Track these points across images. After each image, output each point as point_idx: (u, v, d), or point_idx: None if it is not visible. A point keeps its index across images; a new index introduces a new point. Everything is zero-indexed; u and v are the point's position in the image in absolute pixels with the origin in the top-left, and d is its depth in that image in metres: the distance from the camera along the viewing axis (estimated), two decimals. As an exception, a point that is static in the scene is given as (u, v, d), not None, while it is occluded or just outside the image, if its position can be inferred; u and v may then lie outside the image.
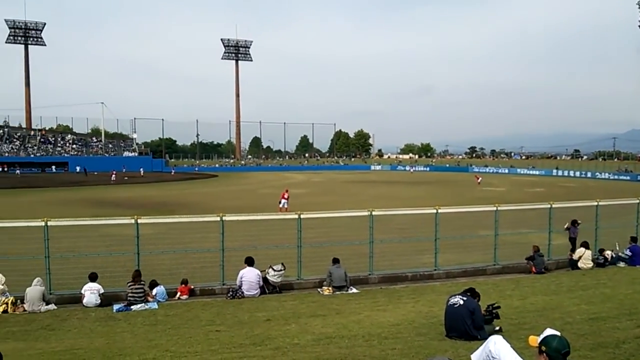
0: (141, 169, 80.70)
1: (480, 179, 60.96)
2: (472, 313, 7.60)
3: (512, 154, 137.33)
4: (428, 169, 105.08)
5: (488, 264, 15.78)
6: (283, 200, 31.55)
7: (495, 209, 16.01)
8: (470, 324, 7.53)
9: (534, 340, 3.76)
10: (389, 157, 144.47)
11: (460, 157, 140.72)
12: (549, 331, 3.76)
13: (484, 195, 43.34)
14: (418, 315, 9.79)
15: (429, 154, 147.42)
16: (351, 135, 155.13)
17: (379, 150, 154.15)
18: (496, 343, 4.26)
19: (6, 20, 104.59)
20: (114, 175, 65.17)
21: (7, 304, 11.57)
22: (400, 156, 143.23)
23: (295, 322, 9.63)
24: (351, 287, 13.29)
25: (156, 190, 51.96)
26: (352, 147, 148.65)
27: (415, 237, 16.95)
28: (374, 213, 14.61)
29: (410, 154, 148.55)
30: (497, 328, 8.00)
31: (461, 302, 7.73)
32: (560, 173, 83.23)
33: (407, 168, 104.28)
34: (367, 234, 14.81)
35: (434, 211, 15.23)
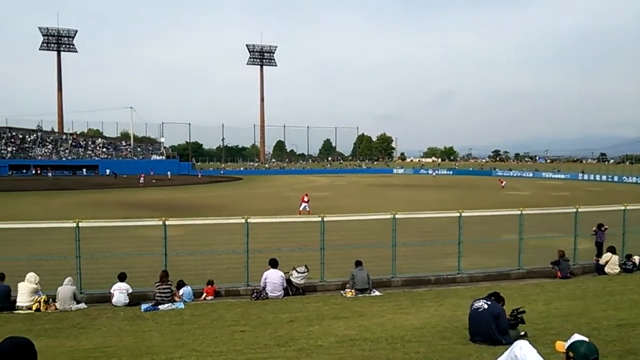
0: (168, 172, 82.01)
1: (504, 182, 60.16)
2: (496, 317, 7.58)
3: (537, 158, 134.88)
4: (451, 172, 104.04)
5: (512, 268, 15.62)
6: (303, 204, 31.66)
7: (519, 212, 15.84)
8: (494, 329, 7.51)
9: (561, 346, 3.71)
10: (411, 160, 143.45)
11: (483, 160, 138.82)
12: (576, 337, 3.71)
13: (507, 199, 42.74)
14: (441, 319, 9.78)
15: (452, 158, 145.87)
16: (374, 138, 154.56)
17: (402, 154, 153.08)
18: (522, 348, 4.23)
19: (40, 28, 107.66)
20: (142, 178, 66.34)
21: (40, 302, 11.94)
22: (423, 160, 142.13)
23: (319, 324, 9.72)
24: (374, 289, 13.31)
25: (183, 192, 52.71)
26: (374, 150, 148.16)
27: (438, 241, 16.87)
28: (396, 216, 14.62)
29: (433, 158, 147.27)
30: (522, 333, 7.95)
31: (485, 306, 7.71)
32: (586, 177, 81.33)
33: (430, 172, 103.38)
34: (389, 237, 14.82)
35: (458, 214, 15.15)
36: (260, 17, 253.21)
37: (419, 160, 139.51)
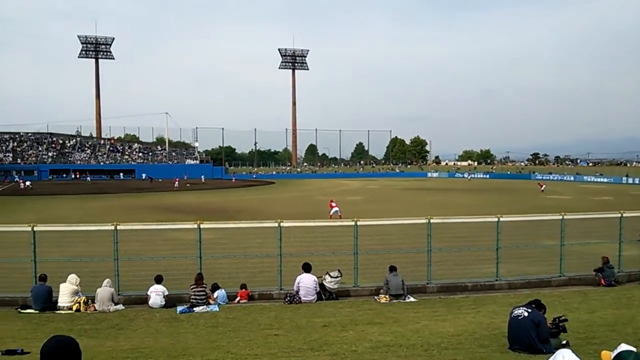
0: (202, 176, 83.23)
1: (544, 186, 58.64)
2: (537, 325, 7.34)
3: (578, 161, 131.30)
4: (488, 176, 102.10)
5: (553, 275, 15.15)
6: (334, 209, 31.57)
7: (561, 217, 15.38)
8: (535, 337, 7.28)
9: (607, 356, 3.58)
10: (446, 164, 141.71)
11: (522, 163, 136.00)
12: (623, 346, 3.56)
13: (547, 203, 41.69)
14: (479, 327, 9.55)
15: (488, 161, 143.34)
16: (407, 142, 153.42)
17: (436, 157, 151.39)
18: (565, 357, 4.08)
19: (79, 36, 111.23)
20: (177, 182, 67.58)
21: (80, 303, 12.24)
22: (459, 163, 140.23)
23: (353, 329, 9.63)
24: (409, 295, 13.13)
25: (216, 196, 53.40)
26: (408, 154, 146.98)
27: (475, 246, 16.53)
28: (432, 221, 14.40)
29: (469, 161, 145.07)
30: (564, 342, 7.69)
31: (526, 314, 7.49)
32: (630, 181, 78.53)
33: (465, 175, 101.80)
34: (423, 242, 14.60)
35: (496, 219, 14.82)
36: (292, 21, 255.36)
37: (454, 164, 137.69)
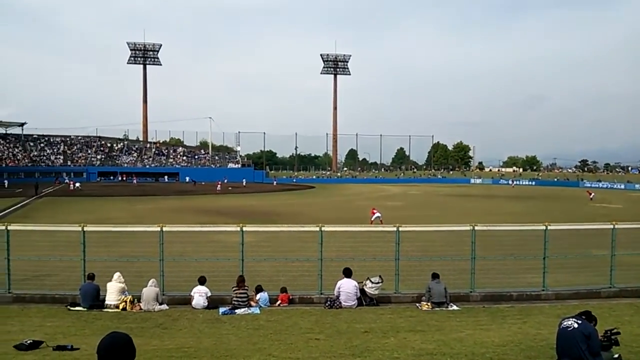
0: (244, 180, 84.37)
1: (592, 194, 56.49)
2: (587, 338, 7.03)
3: (630, 168, 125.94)
4: (533, 183, 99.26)
5: (603, 286, 14.54)
6: (375, 215, 31.33)
7: (612, 226, 14.78)
8: (585, 350, 6.98)
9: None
10: (490, 170, 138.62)
11: (569, 170, 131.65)
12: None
13: (597, 212, 40.19)
14: (525, 337, 9.27)
15: (534, 167, 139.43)
16: (450, 147, 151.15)
17: (480, 163, 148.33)
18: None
19: (128, 43, 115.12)
20: (219, 186, 68.81)
21: (126, 302, 12.58)
22: (503, 169, 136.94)
23: (394, 336, 9.52)
24: (451, 303, 12.88)
25: (257, 200, 54.01)
26: (450, 159, 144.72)
27: (521, 255, 16.08)
28: (476, 228, 14.09)
29: (514, 167, 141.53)
30: (616, 356, 7.35)
31: (575, 325, 7.19)
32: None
33: (509, 182, 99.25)
34: (466, 250, 14.31)
35: (543, 227, 14.37)
36: (334, 26, 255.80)
37: (498, 170, 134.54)
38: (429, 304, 12.64)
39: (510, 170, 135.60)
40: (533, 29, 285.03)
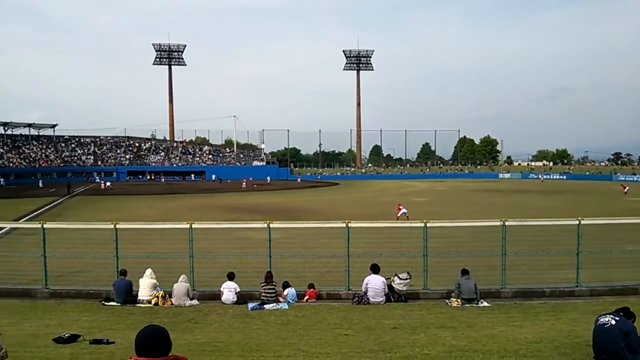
0: (268, 177, 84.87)
1: (627, 188, 54.87)
2: (626, 335, 6.86)
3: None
4: (564, 177, 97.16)
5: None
6: (401, 211, 31.12)
7: (648, 221, 14.36)
8: (624, 347, 6.80)
9: None
10: (519, 164, 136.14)
11: (602, 164, 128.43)
12: None
13: (632, 206, 39.08)
14: (559, 334, 9.09)
15: (565, 161, 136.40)
16: (477, 141, 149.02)
17: (508, 157, 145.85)
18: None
19: (153, 45, 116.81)
20: (244, 183, 69.38)
21: (158, 297, 12.79)
22: (532, 163, 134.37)
23: (424, 332, 9.45)
24: (482, 300, 12.71)
25: (283, 197, 54.26)
26: (477, 154, 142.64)
27: (553, 250, 15.78)
28: (507, 223, 13.86)
29: (544, 161, 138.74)
30: (656, 354, 7.14)
31: (613, 322, 7.01)
32: None
33: (538, 176, 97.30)
34: (495, 245, 14.09)
35: (576, 222, 14.05)
36: (357, 22, 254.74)
37: (527, 164, 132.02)
38: (458, 300, 12.51)
39: (540, 164, 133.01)
40: (558, 20, 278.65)
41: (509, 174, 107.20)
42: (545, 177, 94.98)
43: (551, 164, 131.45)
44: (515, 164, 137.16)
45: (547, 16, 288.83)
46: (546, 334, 9.16)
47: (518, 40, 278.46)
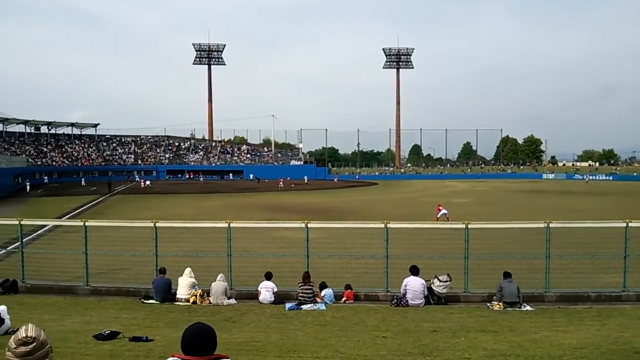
0: (305, 177, 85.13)
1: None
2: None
3: None
4: (611, 178, 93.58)
5: (693, 288, 13.44)
6: (441, 212, 30.60)
7: None
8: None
9: None
10: (564, 164, 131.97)
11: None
12: None
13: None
14: (605, 340, 8.72)
15: (611, 162, 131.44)
16: (520, 141, 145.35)
17: (552, 157, 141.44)
18: None
19: (193, 44, 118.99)
20: (281, 183, 69.87)
21: (196, 295, 12.95)
22: (578, 164, 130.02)
23: (464, 336, 9.22)
24: (524, 304, 12.32)
25: (320, 197, 54.31)
26: (520, 154, 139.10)
27: (599, 254, 15.17)
28: (551, 225, 13.39)
29: (590, 162, 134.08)
30: None
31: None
32: None
33: (583, 177, 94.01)
34: (538, 248, 13.65)
35: (623, 224, 13.45)
36: (397, 20, 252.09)
37: (572, 165, 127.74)
38: (500, 303, 12.17)
39: (585, 164, 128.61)
40: (607, 16, 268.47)
41: (553, 175, 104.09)
42: (590, 177, 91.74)
43: (597, 164, 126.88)
44: (560, 164, 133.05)
45: (597, 12, 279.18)
46: (592, 339, 8.80)
47: (565, 38, 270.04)
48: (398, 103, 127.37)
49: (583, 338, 8.93)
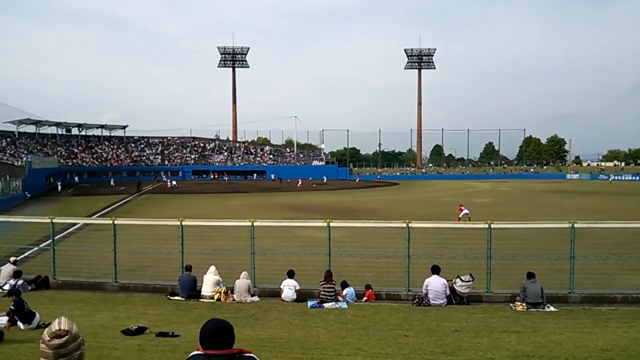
0: (324, 177, 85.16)
1: None
2: None
3: None
4: (637, 178, 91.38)
5: None
6: (463, 212, 30.36)
7: None
8: None
9: None
10: (588, 164, 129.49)
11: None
12: None
13: None
14: (632, 342, 8.62)
15: (638, 161, 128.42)
16: (543, 141, 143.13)
17: (577, 157, 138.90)
18: None
19: (218, 48, 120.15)
20: (300, 183, 70.24)
21: (220, 293, 13.17)
22: (603, 164, 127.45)
23: (487, 336, 9.21)
24: (548, 304, 12.22)
25: (341, 196, 54.35)
26: (544, 154, 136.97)
27: (625, 254, 14.94)
28: (576, 225, 13.25)
29: (615, 161, 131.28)
30: None
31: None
32: None
33: (607, 177, 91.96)
34: (562, 248, 13.53)
35: (651, 225, 13.25)
36: (419, 20, 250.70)
37: (597, 165, 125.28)
38: (524, 304, 12.09)
39: (610, 164, 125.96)
40: (634, 12, 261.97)
41: (577, 175, 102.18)
42: (614, 177, 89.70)
43: (623, 164, 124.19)
44: (585, 164, 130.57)
45: (618, 7, 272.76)
46: (618, 341, 8.70)
47: (586, 35, 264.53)
48: (420, 103, 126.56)
49: (609, 340, 8.84)
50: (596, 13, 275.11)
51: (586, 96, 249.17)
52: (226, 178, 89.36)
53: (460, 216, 29.96)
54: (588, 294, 13.25)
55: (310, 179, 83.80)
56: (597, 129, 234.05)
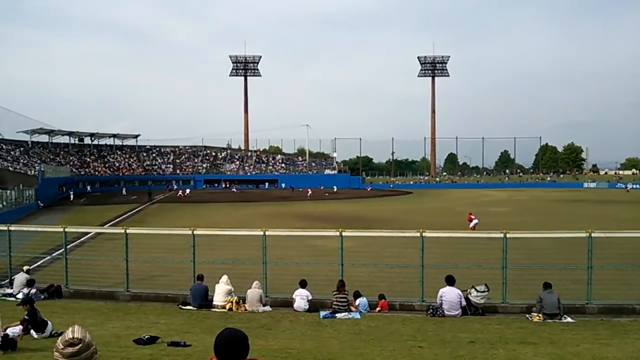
0: (334, 186, 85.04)
1: None
2: None
3: None
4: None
5: None
6: (474, 221, 30.02)
7: None
8: None
9: None
10: (606, 173, 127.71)
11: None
12: None
13: None
14: (652, 355, 8.39)
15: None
16: (559, 149, 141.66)
17: (594, 166, 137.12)
18: None
19: (230, 56, 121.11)
20: (310, 192, 70.26)
21: (232, 302, 13.11)
22: (621, 172, 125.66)
23: (503, 348, 9.01)
24: (565, 315, 11.97)
25: (353, 205, 54.17)
26: (560, 162, 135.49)
27: (644, 265, 14.60)
28: (593, 235, 13.00)
29: (634, 169, 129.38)
30: None
31: None
32: None
33: (625, 185, 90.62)
34: (579, 258, 13.26)
35: (671, 235, 12.95)
36: (432, 28, 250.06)
37: (615, 173, 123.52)
38: (540, 315, 11.86)
39: (629, 173, 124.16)
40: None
41: (594, 184, 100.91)
42: (632, 186, 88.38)
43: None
44: (602, 172, 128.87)
45: (637, 15, 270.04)
46: (638, 354, 8.53)
47: (604, 42, 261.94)
48: (433, 112, 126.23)
49: (628, 352, 8.62)
50: (613, 20, 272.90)
51: (604, 104, 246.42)
52: (235, 189, 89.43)
53: (471, 226, 29.61)
54: (606, 304, 12.99)
55: (321, 187, 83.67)
56: (614, 136, 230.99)
